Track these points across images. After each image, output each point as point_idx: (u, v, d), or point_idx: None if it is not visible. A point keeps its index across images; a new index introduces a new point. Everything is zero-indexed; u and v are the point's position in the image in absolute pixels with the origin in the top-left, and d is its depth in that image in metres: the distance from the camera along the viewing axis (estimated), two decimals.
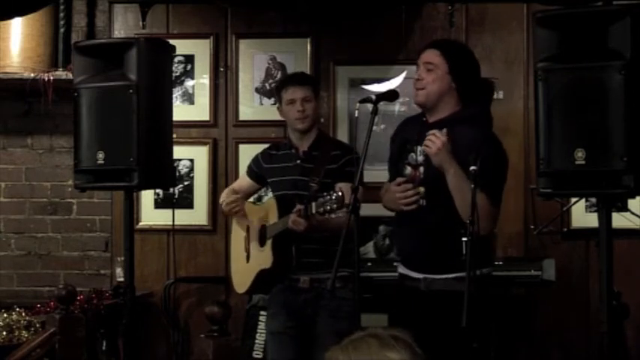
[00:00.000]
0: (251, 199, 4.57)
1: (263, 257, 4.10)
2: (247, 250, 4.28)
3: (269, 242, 4.07)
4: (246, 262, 4.27)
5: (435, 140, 3.37)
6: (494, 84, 3.65)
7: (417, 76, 3.57)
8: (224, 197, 4.39)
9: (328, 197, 3.64)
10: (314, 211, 3.72)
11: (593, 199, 4.65)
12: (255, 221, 4.25)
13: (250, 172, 4.38)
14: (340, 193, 3.60)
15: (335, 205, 3.61)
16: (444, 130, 3.42)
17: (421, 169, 3.51)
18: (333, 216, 3.66)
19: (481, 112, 3.59)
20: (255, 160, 4.37)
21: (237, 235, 4.39)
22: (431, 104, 3.54)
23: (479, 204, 3.19)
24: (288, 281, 4.10)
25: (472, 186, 3.19)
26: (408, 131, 3.67)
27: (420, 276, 3.53)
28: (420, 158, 3.53)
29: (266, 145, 4.43)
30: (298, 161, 4.14)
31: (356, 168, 3.46)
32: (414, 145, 3.56)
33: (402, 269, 3.65)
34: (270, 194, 4.36)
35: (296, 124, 4.13)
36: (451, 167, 3.36)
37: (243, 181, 4.43)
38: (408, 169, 3.57)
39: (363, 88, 5.47)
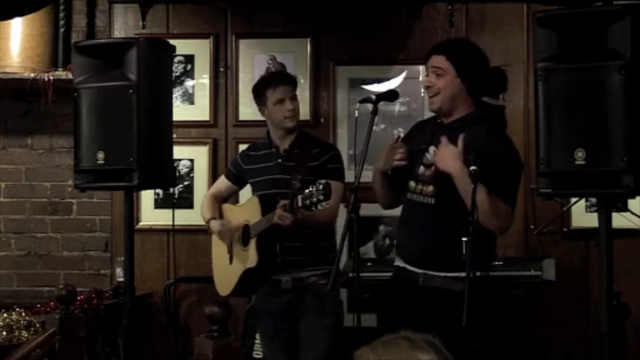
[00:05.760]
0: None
1: (247, 257, 4.04)
2: (230, 252, 4.21)
3: (253, 241, 3.99)
4: (230, 264, 4.20)
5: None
6: (506, 71, 3.61)
7: (428, 83, 3.54)
8: (207, 210, 4.31)
9: (315, 189, 3.60)
10: (300, 204, 3.68)
11: (593, 199, 4.64)
12: (236, 222, 4.18)
13: (229, 174, 4.33)
14: (325, 182, 3.58)
15: (322, 197, 3.57)
16: (462, 135, 3.38)
17: (433, 168, 3.51)
18: (320, 208, 3.62)
19: (494, 113, 3.58)
20: (235, 162, 4.32)
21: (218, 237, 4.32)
22: (446, 109, 3.53)
23: (491, 204, 3.27)
24: (270, 283, 4.05)
25: (472, 186, 3.19)
26: (422, 134, 3.66)
27: (420, 271, 3.53)
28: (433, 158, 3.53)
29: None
30: (279, 160, 4.09)
31: (356, 167, 3.44)
32: (428, 146, 3.55)
33: (400, 262, 3.63)
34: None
35: (286, 123, 4.07)
36: (455, 171, 3.36)
37: (222, 184, 4.37)
38: (422, 169, 3.55)
39: (363, 88, 5.47)
